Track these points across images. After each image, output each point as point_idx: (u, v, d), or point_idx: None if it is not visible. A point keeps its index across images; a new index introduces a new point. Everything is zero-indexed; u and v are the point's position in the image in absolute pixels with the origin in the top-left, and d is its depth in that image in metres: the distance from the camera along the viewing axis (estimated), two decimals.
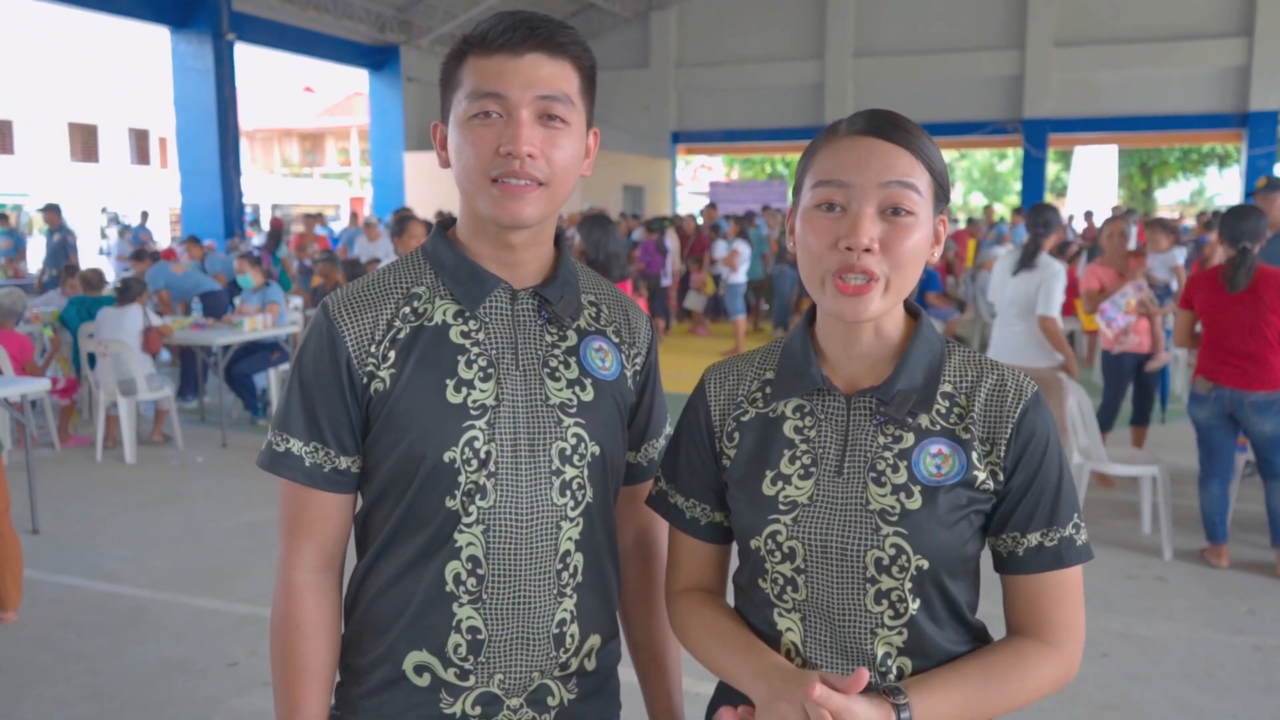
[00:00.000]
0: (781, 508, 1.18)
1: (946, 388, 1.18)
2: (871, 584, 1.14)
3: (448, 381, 1.22)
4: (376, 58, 20.00)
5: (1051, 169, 30.65)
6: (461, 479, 1.21)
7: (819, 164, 1.15)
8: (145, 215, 19.84)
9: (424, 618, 1.23)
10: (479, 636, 1.23)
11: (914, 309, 1.23)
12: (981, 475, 1.15)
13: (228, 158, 16.08)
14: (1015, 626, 1.21)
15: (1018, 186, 22.04)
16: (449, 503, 1.21)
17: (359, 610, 1.29)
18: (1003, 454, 1.15)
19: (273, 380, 8.16)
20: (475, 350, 1.24)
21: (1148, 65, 19.55)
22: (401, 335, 1.23)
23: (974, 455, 1.15)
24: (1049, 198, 27.62)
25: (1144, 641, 3.85)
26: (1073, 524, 1.18)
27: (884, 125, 1.14)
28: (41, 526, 5.18)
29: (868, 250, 1.10)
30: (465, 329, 1.24)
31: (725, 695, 1.28)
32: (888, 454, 1.16)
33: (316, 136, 42.47)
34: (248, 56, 17.85)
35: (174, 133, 16.71)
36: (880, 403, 1.17)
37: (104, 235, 25.51)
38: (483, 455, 1.21)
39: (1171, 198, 35.51)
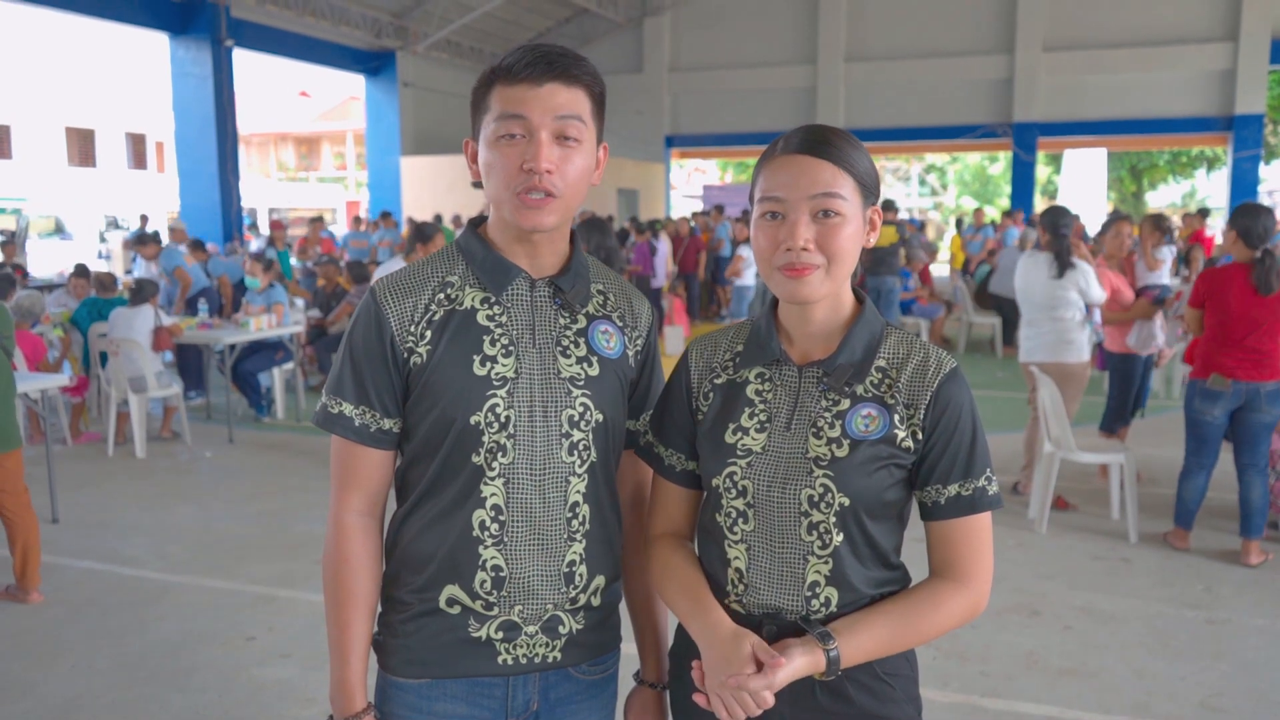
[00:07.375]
0: (739, 453, 1.44)
1: (881, 362, 1.44)
2: (805, 517, 1.40)
3: (474, 356, 1.45)
4: (373, 63, 20.24)
5: (1043, 172, 30.93)
6: (485, 439, 1.44)
7: (763, 181, 1.42)
8: (145, 219, 20.01)
9: (456, 557, 1.46)
10: (501, 574, 1.46)
11: (859, 295, 1.49)
12: (902, 434, 1.40)
13: (226, 162, 16.29)
14: (934, 568, 1.46)
15: (1009, 190, 22.30)
16: (475, 459, 1.45)
17: (398, 550, 1.52)
18: (922, 417, 1.40)
19: (277, 379, 8.38)
20: (498, 331, 1.47)
21: (1134, 69, 19.87)
22: (436, 317, 1.47)
23: (896, 417, 1.40)
24: (1040, 200, 27.87)
25: (1105, 615, 4.11)
26: (985, 476, 1.42)
27: (812, 143, 1.39)
28: (60, 516, 5.42)
29: (805, 249, 1.36)
30: (490, 313, 1.48)
31: (683, 634, 1.54)
32: (827, 414, 1.42)
33: (312, 141, 42.59)
34: (244, 61, 18.03)
35: (172, 137, 16.88)
36: (825, 373, 1.43)
37: (103, 239, 25.67)
38: (503, 419, 1.45)
39: (1163, 200, 35.76)
